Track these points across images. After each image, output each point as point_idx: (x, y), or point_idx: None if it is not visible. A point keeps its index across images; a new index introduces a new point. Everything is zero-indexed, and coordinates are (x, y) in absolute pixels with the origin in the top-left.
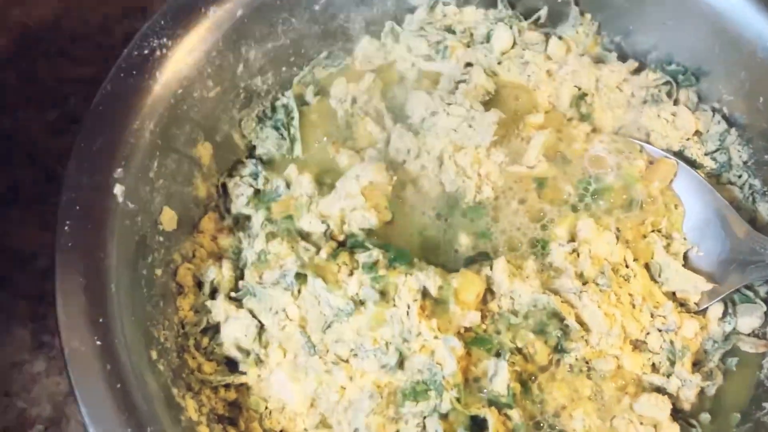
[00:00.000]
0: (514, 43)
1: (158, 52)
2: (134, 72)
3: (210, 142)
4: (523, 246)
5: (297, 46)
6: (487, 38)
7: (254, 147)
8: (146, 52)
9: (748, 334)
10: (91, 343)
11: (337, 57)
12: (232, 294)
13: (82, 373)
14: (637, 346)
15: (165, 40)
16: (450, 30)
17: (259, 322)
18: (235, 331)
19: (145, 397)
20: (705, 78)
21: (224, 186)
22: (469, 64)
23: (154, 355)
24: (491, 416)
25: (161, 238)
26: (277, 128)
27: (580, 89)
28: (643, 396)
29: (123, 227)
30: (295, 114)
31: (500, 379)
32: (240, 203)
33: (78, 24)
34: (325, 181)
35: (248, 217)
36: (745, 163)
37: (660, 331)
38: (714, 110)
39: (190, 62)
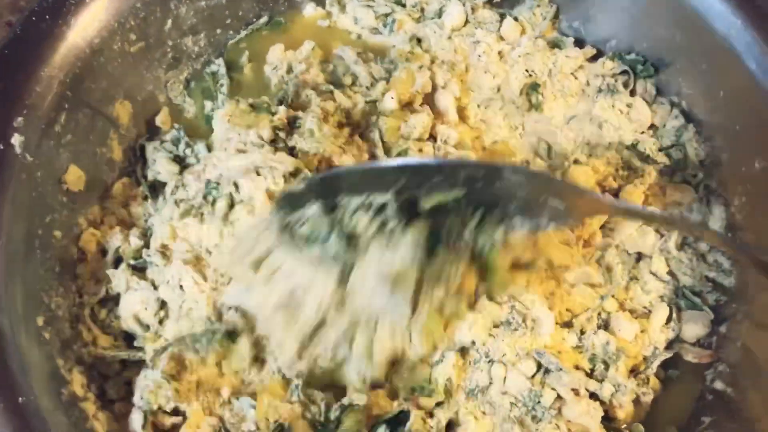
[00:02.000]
0: (467, 21)
1: None
2: (47, 16)
3: (130, 102)
4: None
5: (234, 7)
6: (439, 14)
7: (180, 111)
8: None
9: (693, 344)
10: None
11: (277, 23)
12: (135, 263)
13: None
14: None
15: None
16: (400, 2)
17: None
18: (134, 303)
19: (21, 365)
20: (665, 69)
21: (142, 149)
22: (417, 39)
23: (40, 321)
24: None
25: (64, 199)
26: (204, 94)
27: (531, 75)
28: (573, 400)
29: (18, 181)
30: (225, 81)
31: None
32: (157, 168)
33: None
34: None
35: (165, 185)
36: (701, 162)
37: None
38: (672, 104)
39: (110, 10)
